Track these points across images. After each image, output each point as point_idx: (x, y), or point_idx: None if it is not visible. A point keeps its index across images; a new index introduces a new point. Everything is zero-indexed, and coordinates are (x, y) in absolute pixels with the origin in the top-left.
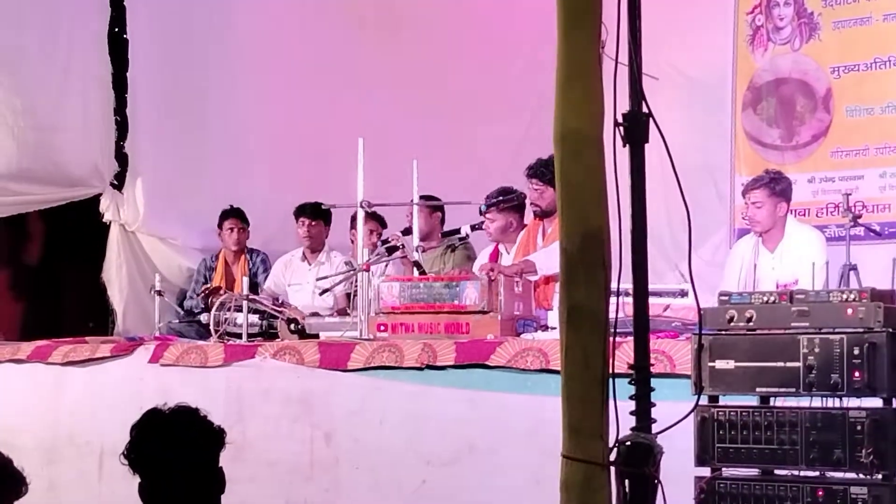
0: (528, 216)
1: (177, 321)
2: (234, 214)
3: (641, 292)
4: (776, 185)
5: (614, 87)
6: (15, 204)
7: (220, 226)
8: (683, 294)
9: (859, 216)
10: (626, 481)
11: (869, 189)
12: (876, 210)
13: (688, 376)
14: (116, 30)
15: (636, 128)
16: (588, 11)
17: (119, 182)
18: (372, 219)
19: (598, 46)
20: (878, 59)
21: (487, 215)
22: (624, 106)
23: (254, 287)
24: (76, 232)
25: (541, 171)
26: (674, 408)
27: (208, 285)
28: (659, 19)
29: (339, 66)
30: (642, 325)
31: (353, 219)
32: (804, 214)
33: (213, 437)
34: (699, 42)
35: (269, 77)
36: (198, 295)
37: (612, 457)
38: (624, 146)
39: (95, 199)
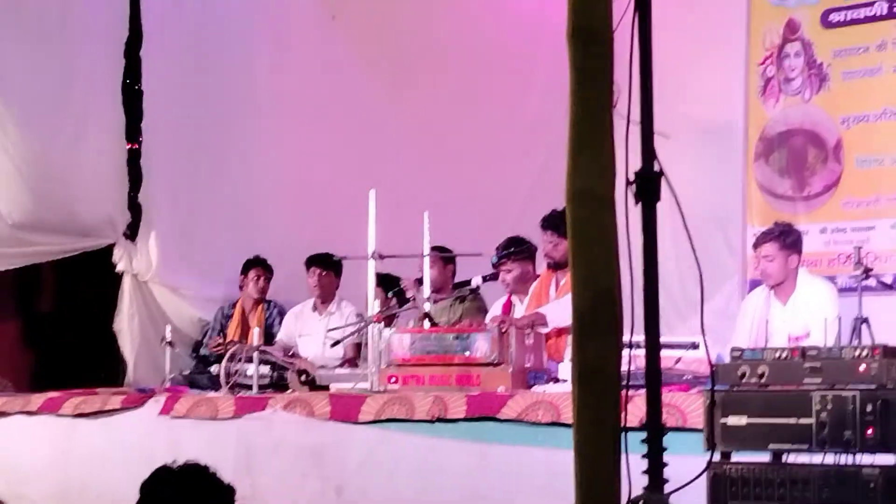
0: (539, 266)
1: (188, 371)
2: (259, 264)
3: (654, 350)
4: (786, 238)
5: (626, 143)
6: (29, 255)
7: (244, 273)
8: (695, 346)
9: (871, 269)
10: None
11: (880, 240)
12: (888, 261)
13: (699, 430)
14: (129, 81)
15: (648, 186)
16: (600, 69)
17: (132, 232)
18: (378, 285)
19: (611, 105)
20: (887, 109)
21: (503, 267)
22: (635, 162)
23: (269, 337)
24: (88, 282)
25: (555, 223)
26: (685, 462)
27: (220, 340)
28: (671, 70)
29: (351, 116)
30: (655, 384)
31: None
32: (816, 265)
33: (223, 495)
34: (711, 93)
35: (283, 128)
36: (209, 345)
37: None
38: (636, 204)
39: (108, 250)
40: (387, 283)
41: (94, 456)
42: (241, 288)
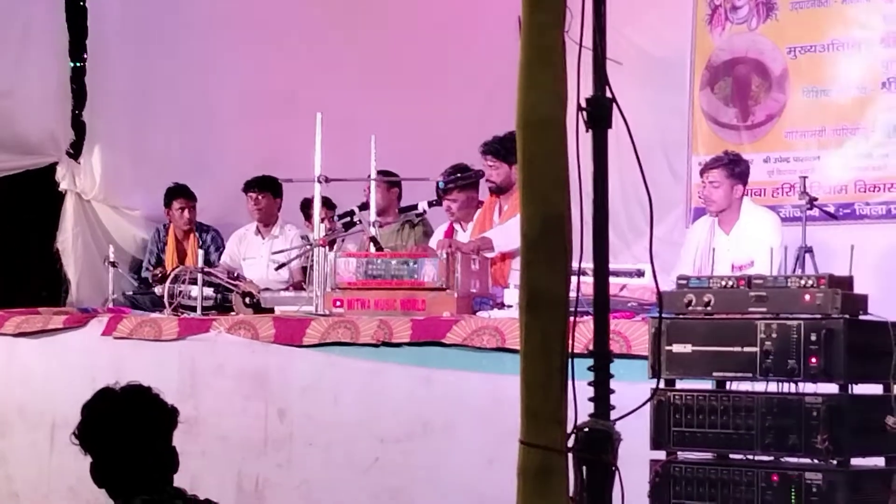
0: (483, 193)
1: (131, 292)
2: (181, 193)
3: (602, 277)
4: (735, 167)
5: (578, 70)
6: None
7: (167, 205)
8: (640, 274)
9: (815, 198)
10: (584, 468)
11: (825, 170)
12: (832, 192)
13: (644, 357)
14: None
15: (600, 113)
16: None
17: (75, 151)
18: (323, 205)
19: (563, 30)
20: (835, 40)
21: (447, 197)
22: (586, 89)
23: (206, 264)
24: (30, 201)
25: (495, 147)
26: (630, 389)
27: (161, 268)
28: None
29: (301, 39)
30: (603, 311)
31: (304, 205)
32: (760, 194)
33: (166, 417)
34: (659, 21)
35: (229, 48)
36: (151, 272)
37: (571, 443)
38: (587, 131)
39: (51, 168)
40: (326, 207)
41: (35, 375)
42: (167, 218)
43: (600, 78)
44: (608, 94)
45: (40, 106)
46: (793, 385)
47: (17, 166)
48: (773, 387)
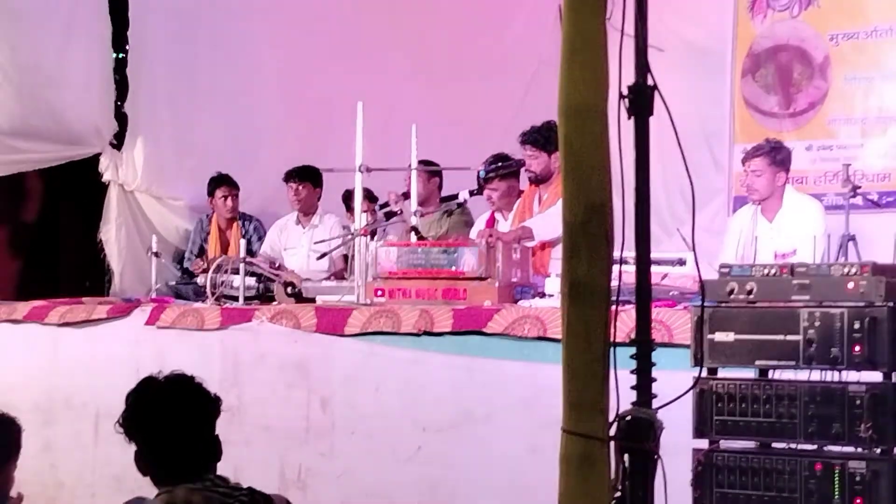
0: (523, 182)
1: (173, 282)
2: (224, 182)
3: (644, 266)
4: (776, 155)
5: (620, 58)
6: (15, 163)
7: (210, 194)
8: (682, 263)
9: (858, 186)
10: (627, 456)
11: (868, 158)
12: (876, 179)
13: (685, 346)
14: None
15: (641, 100)
16: None
17: (118, 142)
18: (365, 198)
19: (604, 18)
20: (878, 27)
21: (488, 185)
22: (627, 77)
23: (249, 254)
24: (75, 191)
25: (534, 137)
26: (672, 377)
27: (202, 262)
28: None
29: (342, 29)
30: (645, 300)
31: (346, 196)
32: (802, 182)
33: (209, 406)
34: (700, 8)
35: (271, 39)
36: (194, 261)
37: (613, 432)
38: (629, 119)
39: (94, 159)
40: (369, 198)
41: (79, 365)
42: (211, 207)
43: (642, 65)
44: (650, 82)
45: (84, 97)
46: (836, 373)
47: (61, 157)
48: (816, 375)
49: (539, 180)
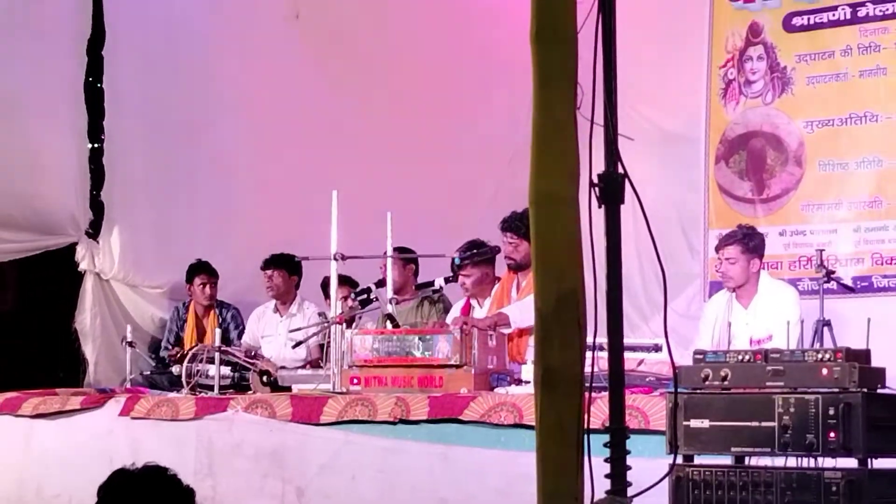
0: (500, 269)
1: (148, 372)
2: (203, 269)
3: (617, 353)
4: (749, 242)
5: (590, 145)
6: None
7: (189, 281)
8: (657, 349)
9: (833, 271)
10: None
11: (842, 243)
12: (849, 264)
13: (662, 432)
14: (91, 79)
15: (612, 189)
16: (562, 71)
17: (94, 231)
18: (343, 283)
19: (573, 106)
20: (853, 114)
21: (461, 272)
22: (599, 163)
23: (226, 342)
24: (50, 280)
25: (515, 224)
26: (648, 464)
27: (177, 350)
28: (633, 72)
29: (314, 119)
30: (618, 387)
31: (325, 284)
32: (777, 267)
33: (183, 498)
34: (673, 96)
35: (247, 126)
36: (169, 351)
37: None
38: (599, 207)
39: (69, 249)
40: (348, 285)
41: (52, 457)
42: (188, 295)
43: (612, 153)
44: (620, 170)
45: (60, 186)
46: (812, 460)
47: (37, 246)
48: (791, 462)
49: (519, 267)
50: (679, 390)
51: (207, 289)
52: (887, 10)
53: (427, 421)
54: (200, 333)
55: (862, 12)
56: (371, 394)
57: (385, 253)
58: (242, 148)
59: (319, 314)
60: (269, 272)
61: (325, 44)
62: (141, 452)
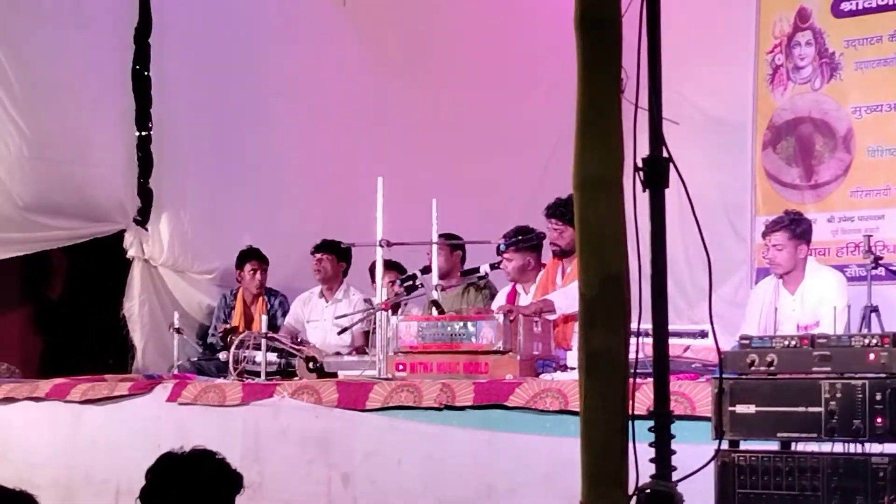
0: (546, 256)
1: (195, 358)
2: (254, 256)
3: (662, 338)
4: (796, 228)
5: (634, 130)
6: (41, 240)
7: (239, 267)
8: (703, 335)
9: (880, 257)
10: None
11: (890, 229)
12: None
13: (708, 419)
14: (138, 67)
15: (656, 173)
16: (606, 56)
17: (143, 218)
18: (390, 268)
19: (618, 90)
20: None
21: (505, 255)
22: (644, 148)
23: (273, 329)
24: (98, 268)
25: (560, 210)
26: (694, 451)
27: (227, 324)
28: (680, 59)
29: (361, 106)
30: (662, 372)
31: (372, 269)
32: (824, 254)
33: (230, 481)
34: (720, 82)
35: (293, 116)
36: (217, 336)
37: None
38: (644, 191)
39: (118, 236)
40: (395, 271)
41: (100, 442)
42: (238, 281)
43: (656, 137)
44: (665, 154)
45: (108, 174)
46: (858, 445)
47: (86, 233)
48: (838, 447)
49: (564, 253)
50: (725, 376)
51: (258, 275)
52: None
53: (472, 407)
54: (248, 320)
55: None
56: (416, 380)
57: (431, 239)
58: (289, 134)
59: (365, 300)
60: (319, 256)
61: (372, 30)
62: (188, 438)
